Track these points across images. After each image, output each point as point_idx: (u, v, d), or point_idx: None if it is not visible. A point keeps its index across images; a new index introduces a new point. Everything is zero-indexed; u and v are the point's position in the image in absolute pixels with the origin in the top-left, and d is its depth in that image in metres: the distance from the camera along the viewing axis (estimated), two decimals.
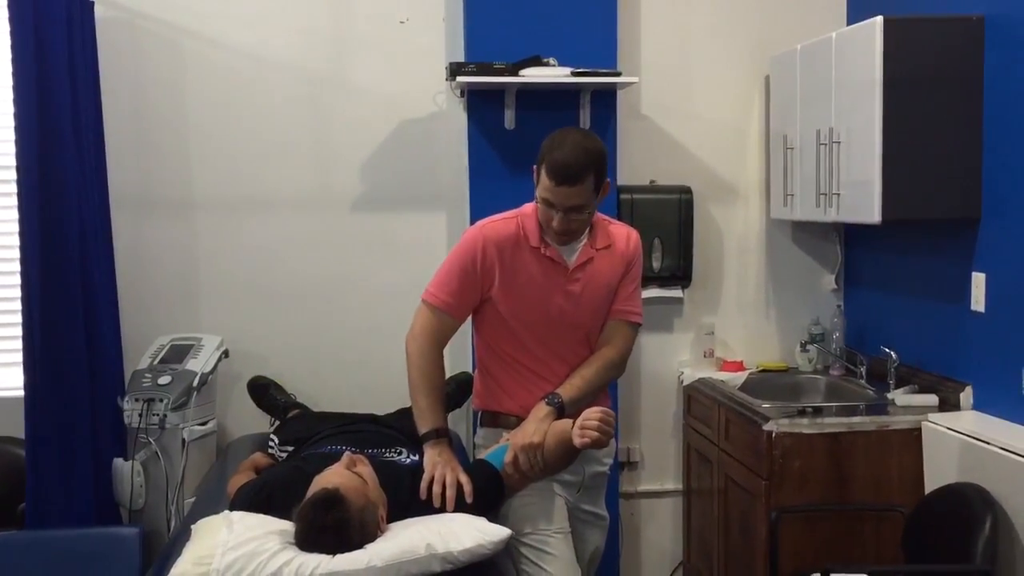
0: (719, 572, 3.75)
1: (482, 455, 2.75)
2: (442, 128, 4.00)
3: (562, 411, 2.65)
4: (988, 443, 2.95)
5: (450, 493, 2.50)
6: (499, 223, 2.73)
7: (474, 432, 3.03)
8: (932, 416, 3.27)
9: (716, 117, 4.17)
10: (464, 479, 2.54)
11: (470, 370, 3.78)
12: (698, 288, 4.18)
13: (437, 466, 2.56)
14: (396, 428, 3.07)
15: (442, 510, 2.48)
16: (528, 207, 2.72)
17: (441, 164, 4.02)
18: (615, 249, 2.77)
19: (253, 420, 3.85)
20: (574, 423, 2.54)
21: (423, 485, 2.53)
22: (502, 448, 2.64)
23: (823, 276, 4.24)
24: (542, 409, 2.65)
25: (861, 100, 3.33)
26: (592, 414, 2.51)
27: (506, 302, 2.71)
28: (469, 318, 2.83)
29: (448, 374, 2.91)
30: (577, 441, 2.49)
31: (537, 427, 2.60)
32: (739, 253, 4.23)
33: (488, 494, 2.55)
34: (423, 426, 2.65)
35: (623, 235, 2.82)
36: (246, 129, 3.93)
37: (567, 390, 2.69)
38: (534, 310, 2.71)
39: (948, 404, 3.38)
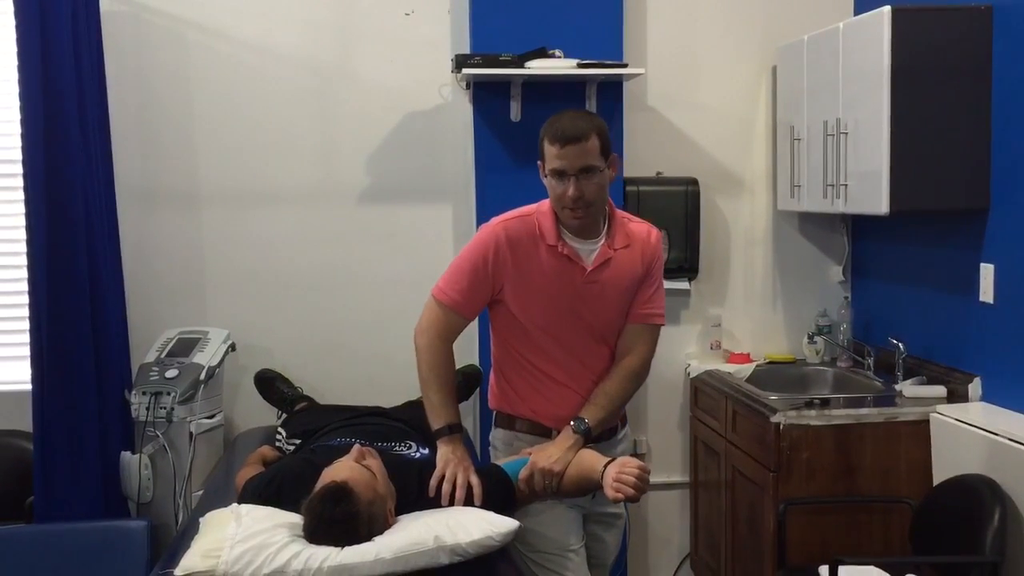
0: (726, 564, 3.75)
1: (499, 460, 2.73)
2: (448, 120, 4.00)
3: (588, 437, 2.61)
4: (997, 434, 2.94)
5: (459, 494, 2.48)
6: (514, 220, 2.66)
7: (483, 429, 3.02)
8: (940, 407, 3.26)
9: (723, 108, 4.16)
10: (475, 481, 2.51)
11: (477, 362, 3.78)
12: (705, 280, 4.17)
13: (449, 464, 2.53)
14: (404, 421, 3.07)
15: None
16: (545, 204, 2.65)
17: (447, 156, 4.01)
18: (634, 249, 2.69)
19: (260, 413, 3.86)
20: (606, 467, 2.48)
21: (433, 482, 2.51)
22: (521, 461, 2.61)
23: (830, 267, 4.23)
24: (569, 437, 2.60)
25: (869, 90, 3.31)
26: (630, 468, 2.43)
27: (518, 303, 2.65)
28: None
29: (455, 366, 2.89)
30: (611, 495, 2.43)
31: (562, 456, 2.56)
32: (746, 245, 4.22)
33: (497, 501, 2.51)
34: (436, 422, 2.62)
35: (643, 233, 2.73)
36: (251, 122, 3.93)
37: (592, 412, 2.63)
38: (547, 312, 2.64)
39: (956, 395, 3.37)
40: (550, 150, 2.54)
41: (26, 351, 3.52)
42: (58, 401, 3.47)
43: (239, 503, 2.43)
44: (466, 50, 3.78)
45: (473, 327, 3.06)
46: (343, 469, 2.35)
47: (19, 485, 3.57)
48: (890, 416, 3.32)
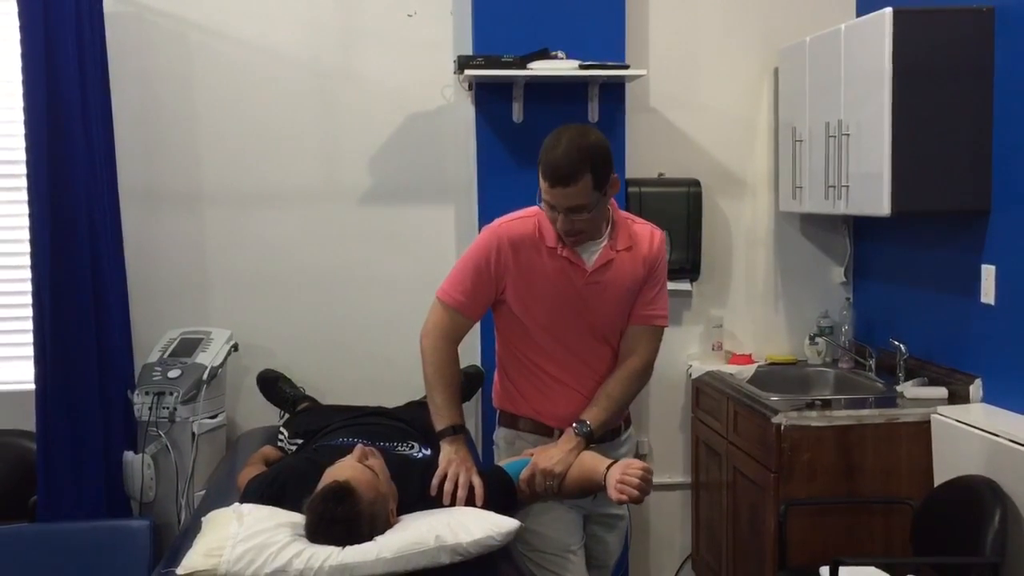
0: (728, 565, 3.76)
1: (502, 460, 2.74)
2: (450, 121, 4.01)
3: (590, 439, 2.62)
4: (997, 435, 2.94)
5: (461, 494, 2.48)
6: (516, 222, 2.66)
7: (486, 429, 3.02)
8: (941, 409, 3.27)
9: (725, 109, 4.16)
10: (477, 482, 2.51)
11: (479, 363, 3.79)
12: (707, 281, 4.18)
13: (452, 464, 2.53)
14: (406, 421, 3.08)
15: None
16: None
17: (449, 157, 4.02)
18: (637, 250, 2.68)
19: (262, 413, 3.87)
20: (608, 468, 2.48)
21: (435, 482, 2.52)
22: (523, 461, 2.62)
23: (832, 269, 4.23)
24: (571, 439, 2.60)
25: (870, 92, 3.32)
26: (633, 470, 2.43)
27: (519, 304, 2.65)
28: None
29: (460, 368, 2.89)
30: (614, 496, 2.43)
31: (563, 458, 2.57)
32: (748, 246, 4.23)
33: (499, 502, 2.52)
34: (439, 423, 2.63)
35: (646, 235, 2.72)
36: (254, 123, 3.94)
37: (594, 414, 2.63)
38: (549, 312, 2.65)
39: (957, 397, 3.38)
40: (543, 182, 2.52)
41: (29, 351, 3.54)
42: (61, 401, 3.48)
43: (241, 503, 2.44)
44: (468, 51, 3.79)
45: (476, 328, 3.06)
46: (345, 469, 2.36)
47: (22, 484, 3.58)
48: (891, 417, 3.32)
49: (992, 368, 3.28)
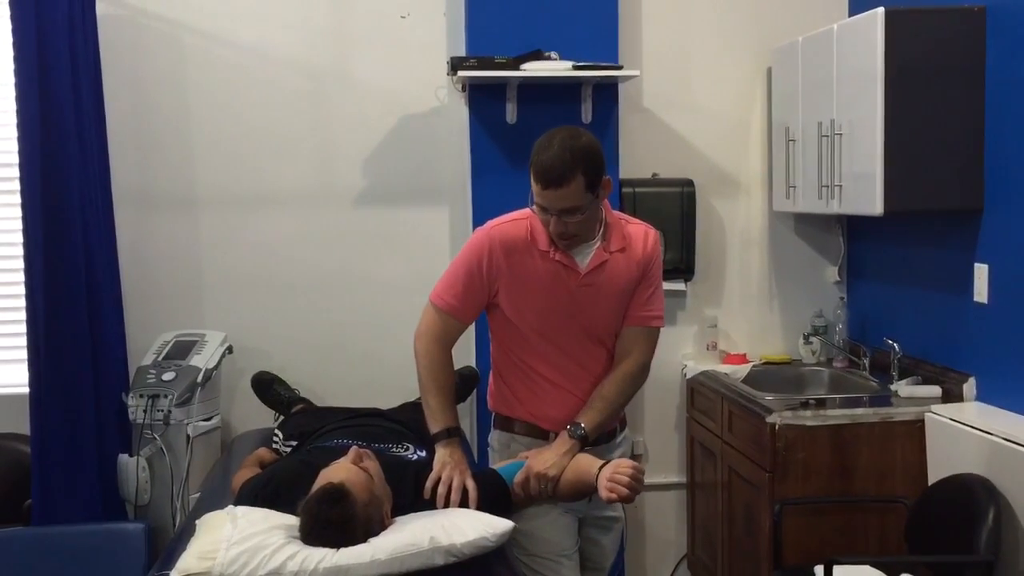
0: (723, 564, 3.76)
1: (496, 463, 2.74)
2: (444, 123, 4.01)
3: (585, 441, 2.61)
4: (991, 434, 2.95)
5: (455, 497, 2.48)
6: (508, 225, 2.64)
7: (481, 431, 3.01)
8: (935, 407, 3.27)
9: (718, 110, 4.17)
10: (471, 485, 2.51)
11: (474, 364, 3.79)
12: (701, 281, 4.18)
13: (446, 467, 2.53)
14: (401, 422, 3.08)
15: None
16: None
17: (443, 159, 4.02)
18: (631, 251, 2.67)
19: (257, 415, 3.86)
20: (600, 469, 2.47)
21: (428, 484, 2.52)
22: (517, 464, 2.62)
23: (826, 268, 4.24)
24: (565, 442, 2.59)
25: (863, 92, 3.32)
26: (624, 468, 2.42)
27: (512, 307, 2.64)
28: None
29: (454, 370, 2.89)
30: (604, 495, 2.42)
31: (557, 461, 2.56)
32: (742, 246, 4.23)
33: (493, 505, 2.51)
34: (434, 426, 2.62)
35: (640, 235, 2.71)
36: (248, 125, 3.94)
37: (589, 416, 2.62)
38: (542, 315, 2.64)
39: (951, 395, 3.38)
40: (534, 185, 2.51)
41: (24, 354, 3.53)
42: (56, 404, 3.48)
43: (235, 505, 2.44)
44: (462, 52, 3.79)
45: (471, 329, 3.06)
46: (340, 471, 2.36)
47: (17, 488, 3.58)
48: (885, 416, 3.33)
49: (985, 366, 3.29)
